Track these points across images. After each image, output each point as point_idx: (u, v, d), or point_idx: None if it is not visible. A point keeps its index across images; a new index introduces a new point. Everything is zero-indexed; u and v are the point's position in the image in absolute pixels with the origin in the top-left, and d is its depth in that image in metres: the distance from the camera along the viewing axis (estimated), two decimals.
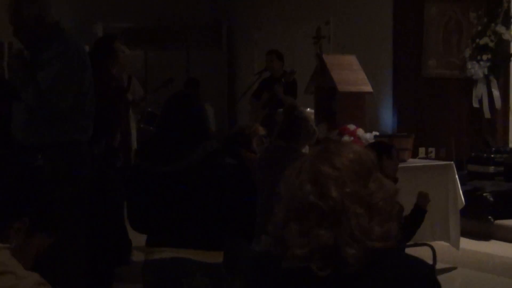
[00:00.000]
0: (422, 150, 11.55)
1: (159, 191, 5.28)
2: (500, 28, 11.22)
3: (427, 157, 11.52)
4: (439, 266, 7.95)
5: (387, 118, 12.13)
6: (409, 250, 8.22)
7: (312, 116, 8.66)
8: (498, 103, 11.41)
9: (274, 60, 11.47)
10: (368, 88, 8.32)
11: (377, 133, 8.29)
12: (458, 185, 7.99)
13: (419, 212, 5.91)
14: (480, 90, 11.45)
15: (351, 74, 8.28)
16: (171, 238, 5.24)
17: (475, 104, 11.53)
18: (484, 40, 11.23)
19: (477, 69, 11.32)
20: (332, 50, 12.44)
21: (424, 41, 11.89)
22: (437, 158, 11.29)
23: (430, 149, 11.66)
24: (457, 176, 8.05)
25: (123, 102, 8.06)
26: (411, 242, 7.86)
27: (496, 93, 11.41)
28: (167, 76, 12.55)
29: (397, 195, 2.50)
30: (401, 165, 7.83)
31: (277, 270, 2.42)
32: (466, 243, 8.93)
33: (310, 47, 12.85)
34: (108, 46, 8.03)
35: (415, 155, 11.54)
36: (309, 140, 6.43)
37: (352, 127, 7.95)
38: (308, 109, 8.88)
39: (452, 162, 8.25)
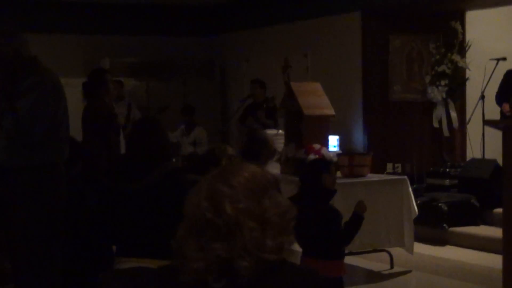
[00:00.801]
0: (389, 166, 11.63)
1: (123, 207, 5.14)
2: (456, 57, 11.28)
3: (393, 171, 11.53)
4: (396, 269, 7.85)
5: (359, 138, 12.03)
6: (368, 256, 8.11)
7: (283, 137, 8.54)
8: (455, 123, 11.46)
9: (257, 88, 11.46)
10: (331, 111, 8.18)
11: (340, 151, 8.09)
12: (411, 197, 7.87)
13: (357, 218, 5.71)
14: (439, 112, 11.50)
15: (316, 99, 8.16)
16: (135, 249, 5.08)
17: (435, 125, 11.57)
18: (442, 67, 11.30)
19: (436, 93, 11.37)
20: (310, 79, 12.36)
21: (390, 69, 11.88)
22: (403, 172, 11.27)
23: (396, 164, 11.63)
24: (410, 189, 7.95)
25: (114, 125, 7.81)
26: (367, 248, 7.72)
27: (453, 114, 11.47)
28: (166, 104, 12.62)
29: (292, 211, 2.40)
30: (360, 179, 7.74)
31: (176, 283, 2.30)
32: (423, 249, 8.83)
33: (292, 75, 12.74)
34: (100, 78, 7.89)
35: (383, 170, 11.49)
36: (269, 159, 6.31)
37: (317, 146, 7.72)
38: (280, 130, 8.71)
39: (406, 177, 8.12)
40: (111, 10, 14.48)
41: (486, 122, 8.73)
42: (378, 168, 11.45)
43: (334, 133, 12.21)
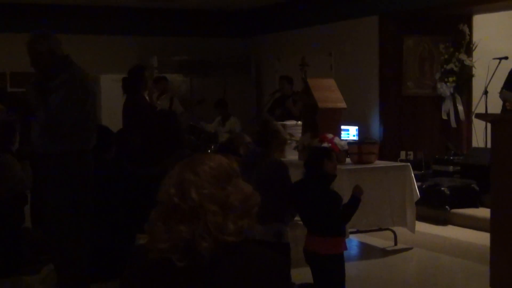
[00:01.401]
0: (403, 153, 11.46)
1: (142, 188, 5.05)
2: (463, 56, 11.14)
3: (406, 158, 11.36)
4: (399, 246, 7.70)
5: (375, 128, 11.83)
6: (374, 234, 7.93)
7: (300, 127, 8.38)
8: (462, 115, 11.34)
9: (285, 83, 11.34)
10: (343, 104, 8.06)
11: (351, 140, 7.91)
12: (414, 182, 7.68)
13: (355, 200, 5.53)
14: (447, 106, 11.36)
15: (330, 94, 8.02)
16: None
17: (444, 117, 11.43)
18: (450, 65, 11.16)
19: (445, 89, 11.25)
20: (334, 75, 12.23)
21: (403, 67, 11.68)
22: (415, 159, 11.16)
23: (409, 152, 11.43)
24: (413, 175, 7.71)
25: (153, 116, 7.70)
26: (373, 227, 7.55)
27: (460, 107, 11.31)
28: (204, 97, 12.56)
29: (255, 198, 2.31)
30: (368, 166, 7.57)
31: (146, 261, 2.23)
32: (427, 228, 8.70)
33: (318, 73, 12.66)
34: (138, 74, 7.78)
35: (397, 157, 11.33)
36: (279, 147, 6.13)
37: (330, 135, 7.66)
38: (299, 122, 8.56)
39: (409, 164, 7.91)
40: (160, 15, 14.45)
41: (477, 116, 8.56)
42: (393, 155, 11.33)
43: (353, 124, 12.09)
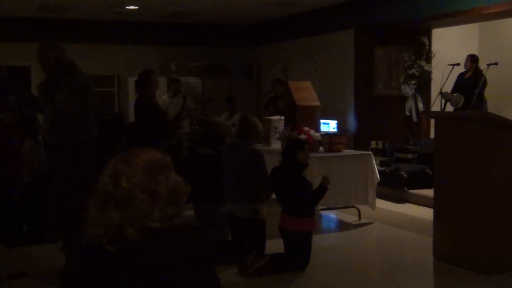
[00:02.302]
0: (373, 143, 11.26)
1: None
2: (423, 63, 10.87)
3: (376, 147, 11.16)
4: (362, 221, 7.47)
5: (351, 122, 11.61)
6: (342, 211, 7.70)
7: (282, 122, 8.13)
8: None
9: (277, 85, 11.08)
10: (317, 103, 7.82)
11: (323, 132, 7.66)
12: (375, 168, 7.43)
13: (323, 188, 5.33)
14: (410, 104, 11.03)
15: (306, 94, 7.79)
16: None
17: (407, 113, 11.09)
18: (412, 71, 10.91)
19: (408, 90, 10.97)
20: (318, 78, 12.10)
21: (374, 72, 11.46)
22: (382, 148, 11.00)
23: (378, 142, 11.23)
24: (374, 162, 7.45)
25: (160, 112, 7.47)
26: (340, 205, 7.31)
27: (420, 105, 10.95)
28: (212, 96, 12.39)
29: (184, 189, 2.09)
30: (337, 154, 7.32)
31: (82, 246, 2.08)
32: (387, 205, 8.46)
33: (305, 77, 12.54)
34: (146, 77, 7.52)
35: (368, 146, 11.09)
36: (257, 138, 5.92)
37: (306, 128, 7.44)
38: (282, 117, 8.31)
39: (371, 152, 7.64)
40: (178, 28, 14.27)
41: (423, 113, 8.32)
42: (365, 144, 11.12)
43: (333, 119, 11.84)
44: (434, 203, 5.69)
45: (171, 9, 12.25)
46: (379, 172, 8.74)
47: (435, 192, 5.67)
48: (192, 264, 1.97)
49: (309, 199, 5.37)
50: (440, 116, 5.73)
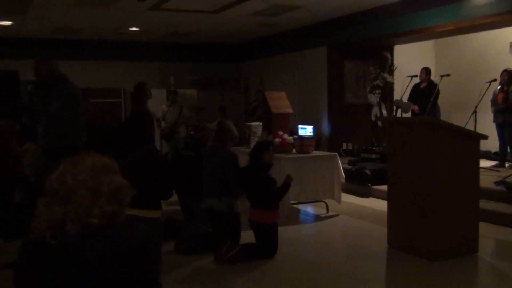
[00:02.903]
0: (344, 145, 11.20)
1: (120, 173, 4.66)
2: (386, 75, 10.85)
3: (346, 148, 11.07)
4: (330, 213, 7.32)
5: (325, 127, 11.49)
6: (311, 204, 7.58)
7: (260, 127, 8.00)
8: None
9: (260, 95, 10.99)
10: (290, 110, 7.73)
11: (295, 136, 7.53)
12: (340, 167, 7.29)
13: (286, 185, 5.21)
14: (375, 110, 11.01)
15: (281, 102, 7.67)
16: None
17: (373, 119, 11.05)
18: (377, 82, 10.87)
19: (373, 98, 10.93)
20: (297, 88, 12.02)
21: (344, 83, 11.37)
22: (352, 149, 10.90)
23: (348, 143, 11.14)
24: (339, 161, 7.31)
25: (150, 121, 7.32)
26: (310, 200, 7.18)
27: (384, 112, 10.91)
28: (203, 105, 12.29)
29: (125, 190, 1.95)
30: (307, 155, 7.18)
31: (27, 240, 1.90)
32: (353, 199, 8.31)
33: (285, 88, 12.48)
34: (141, 88, 7.41)
35: (340, 147, 10.98)
36: (231, 142, 5.80)
37: (281, 132, 7.31)
38: (260, 122, 8.17)
39: (336, 153, 7.44)
40: (177, 47, 14.18)
41: (378, 118, 8.20)
42: (337, 145, 11.04)
43: (310, 124, 11.70)
44: (387, 197, 5.58)
45: (168, 30, 12.15)
46: (348, 170, 8.66)
47: (388, 187, 5.55)
48: (130, 260, 1.83)
49: (275, 194, 5.26)
50: (391, 121, 5.61)
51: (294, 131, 11.75)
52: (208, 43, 14.37)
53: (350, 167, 8.92)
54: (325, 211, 7.29)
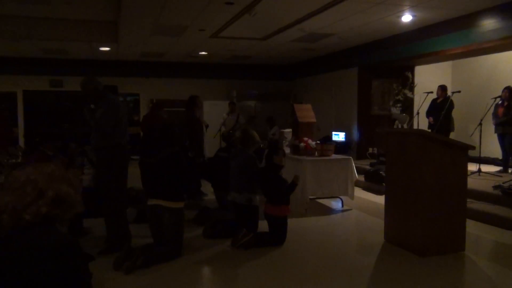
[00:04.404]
0: (370, 149, 10.54)
1: (147, 171, 4.51)
2: (407, 92, 9.98)
3: (372, 152, 10.47)
4: (345, 208, 6.80)
5: (355, 134, 10.92)
6: (328, 200, 7.11)
7: (290, 133, 7.64)
8: (405, 127, 10.09)
9: (232, 106, 10.74)
10: (314, 120, 7.29)
11: (318, 141, 7.11)
12: (354, 168, 6.78)
13: (294, 184, 4.85)
14: (397, 122, 10.12)
15: (306, 113, 7.27)
16: (155, 194, 4.48)
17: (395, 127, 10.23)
18: (399, 97, 10.04)
19: (395, 111, 10.09)
20: (334, 102, 11.53)
21: (372, 98, 10.74)
22: (378, 153, 10.26)
23: (374, 148, 10.49)
24: (353, 164, 6.79)
25: (199, 126, 7.17)
26: (327, 196, 6.73)
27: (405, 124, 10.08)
28: (255, 115, 12.01)
29: (71, 200, 1.74)
30: (326, 158, 6.75)
31: None
32: (369, 196, 7.76)
33: (324, 101, 11.92)
34: (193, 100, 7.27)
35: (366, 151, 10.42)
36: (253, 146, 5.46)
37: (306, 138, 6.92)
38: (290, 129, 7.80)
39: (351, 157, 6.89)
40: (239, 67, 14.01)
41: (377, 130, 7.57)
42: (365, 149, 10.49)
43: (343, 131, 11.25)
44: (385, 195, 5.09)
45: (230, 54, 12.01)
46: (367, 171, 8.13)
47: (386, 187, 5.06)
48: (54, 258, 1.60)
49: (284, 191, 4.91)
50: (388, 133, 5.12)
51: (330, 137, 11.28)
52: (264, 64, 14.12)
53: (369, 168, 8.37)
54: (340, 205, 6.83)
